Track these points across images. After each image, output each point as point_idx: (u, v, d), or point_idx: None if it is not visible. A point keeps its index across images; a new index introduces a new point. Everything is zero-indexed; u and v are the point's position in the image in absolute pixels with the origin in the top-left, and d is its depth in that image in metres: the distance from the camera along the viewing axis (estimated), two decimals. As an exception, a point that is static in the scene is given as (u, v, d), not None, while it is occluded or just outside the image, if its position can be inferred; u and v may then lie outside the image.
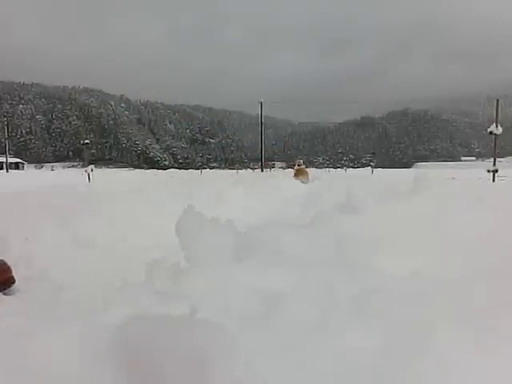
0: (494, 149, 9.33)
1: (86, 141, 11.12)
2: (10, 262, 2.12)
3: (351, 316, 1.07)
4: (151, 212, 3.49)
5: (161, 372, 0.78)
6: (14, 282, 2.05)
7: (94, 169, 11.10)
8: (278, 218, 3.69)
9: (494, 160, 9.19)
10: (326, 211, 2.81)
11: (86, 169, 10.82)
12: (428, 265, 1.51)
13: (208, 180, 11.33)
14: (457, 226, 2.05)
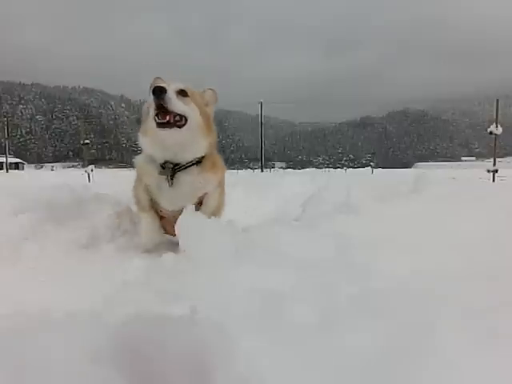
0: (493, 149, 9.32)
1: (86, 141, 11.08)
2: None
3: (351, 316, 1.07)
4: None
5: (161, 372, 0.78)
6: None
7: (93, 169, 11.08)
8: (277, 217, 3.69)
9: (494, 160, 9.19)
10: (325, 211, 2.81)
11: (85, 169, 10.80)
12: (428, 265, 1.51)
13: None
14: (457, 225, 2.05)
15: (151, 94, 2.04)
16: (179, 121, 2.14)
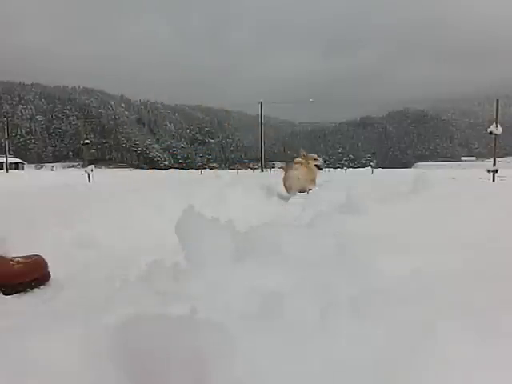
0: (493, 149, 9.31)
1: (86, 141, 11.06)
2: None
3: (351, 316, 1.07)
4: (151, 212, 3.49)
5: (161, 372, 0.78)
6: (49, 277, 2.04)
7: (93, 169, 11.07)
8: (277, 217, 3.69)
9: (494, 160, 9.18)
10: (325, 211, 2.81)
11: (85, 169, 10.80)
12: (428, 265, 1.51)
13: (209, 180, 11.31)
14: (457, 225, 2.05)
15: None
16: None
